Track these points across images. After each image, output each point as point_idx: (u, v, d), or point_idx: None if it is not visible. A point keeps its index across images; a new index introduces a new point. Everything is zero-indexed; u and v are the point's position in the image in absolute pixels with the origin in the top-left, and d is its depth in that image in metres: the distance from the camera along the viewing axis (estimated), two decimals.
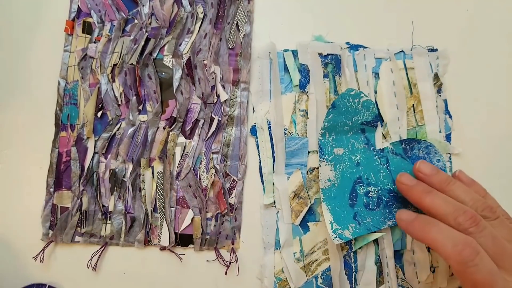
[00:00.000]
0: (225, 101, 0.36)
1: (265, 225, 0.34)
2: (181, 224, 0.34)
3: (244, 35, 0.37)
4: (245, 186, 0.35)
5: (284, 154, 0.35)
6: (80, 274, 0.34)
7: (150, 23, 0.37)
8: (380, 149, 0.35)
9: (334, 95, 0.36)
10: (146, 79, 0.36)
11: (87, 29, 0.38)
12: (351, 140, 0.34)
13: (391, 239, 0.34)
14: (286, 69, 0.37)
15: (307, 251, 0.34)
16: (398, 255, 0.34)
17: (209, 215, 0.35)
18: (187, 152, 0.35)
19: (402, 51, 0.37)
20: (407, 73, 0.36)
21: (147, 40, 0.37)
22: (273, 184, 0.35)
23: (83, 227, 0.35)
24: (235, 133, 0.36)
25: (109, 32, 0.37)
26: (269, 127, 0.36)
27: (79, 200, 0.35)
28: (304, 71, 0.36)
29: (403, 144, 0.34)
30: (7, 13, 0.38)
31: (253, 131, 0.36)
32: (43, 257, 0.34)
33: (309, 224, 0.34)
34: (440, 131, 0.36)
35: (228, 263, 0.34)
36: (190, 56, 0.36)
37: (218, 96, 0.36)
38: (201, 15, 0.37)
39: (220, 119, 0.36)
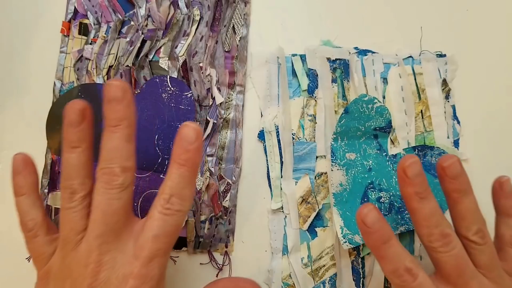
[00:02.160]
0: (220, 104, 0.36)
1: (272, 230, 0.34)
2: None
3: (240, 38, 0.37)
4: (246, 189, 0.35)
5: (292, 159, 0.35)
6: None
7: (146, 25, 0.37)
8: (392, 154, 0.35)
9: (343, 100, 0.36)
10: (142, 81, 0.36)
11: (84, 30, 0.38)
12: (363, 145, 0.34)
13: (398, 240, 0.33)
14: (294, 73, 0.37)
15: (315, 257, 0.34)
16: None
17: (202, 218, 0.35)
18: None
19: (410, 56, 0.37)
20: (415, 79, 0.36)
21: (143, 42, 0.37)
22: (281, 189, 0.35)
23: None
24: (230, 136, 0.36)
25: (105, 33, 0.37)
26: (277, 132, 0.35)
27: None
28: (312, 75, 0.36)
29: (416, 150, 0.34)
30: (3, 14, 0.38)
31: (261, 135, 0.36)
32: None
33: (317, 229, 0.34)
34: (448, 137, 0.36)
35: (221, 266, 0.34)
36: (186, 59, 0.36)
37: (213, 99, 0.36)
38: (197, 18, 0.37)
39: (215, 122, 0.35)
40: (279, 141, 0.35)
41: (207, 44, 0.37)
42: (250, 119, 0.36)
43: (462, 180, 0.27)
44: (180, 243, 0.34)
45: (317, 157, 0.35)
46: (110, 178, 0.25)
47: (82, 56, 0.37)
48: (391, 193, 0.33)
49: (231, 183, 0.35)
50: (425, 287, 0.26)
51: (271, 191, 0.35)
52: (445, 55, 0.37)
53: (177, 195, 0.25)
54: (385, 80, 0.36)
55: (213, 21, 0.37)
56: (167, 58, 0.37)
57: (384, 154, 0.35)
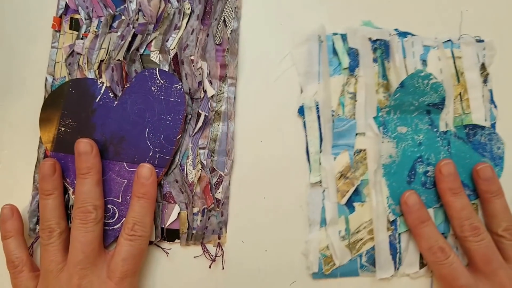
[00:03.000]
0: (212, 96, 0.36)
1: (311, 202, 0.35)
2: (167, 219, 0.34)
3: (231, 31, 0.37)
4: (241, 182, 0.35)
5: (331, 135, 0.36)
6: None
7: (137, 19, 0.37)
8: (443, 131, 0.35)
9: (383, 79, 0.37)
10: (133, 75, 0.36)
11: (75, 25, 0.37)
12: (415, 120, 0.35)
13: (434, 223, 0.34)
14: (334, 52, 0.37)
15: (353, 230, 0.34)
16: None
17: (195, 210, 0.35)
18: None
19: (449, 40, 0.37)
20: (454, 62, 0.37)
21: (134, 36, 0.36)
22: (320, 163, 0.35)
23: (71, 222, 0.34)
24: (222, 128, 0.36)
25: (96, 28, 0.37)
26: (317, 108, 0.36)
27: (66, 195, 0.34)
28: (353, 54, 0.37)
29: (467, 128, 0.35)
30: None
31: (301, 111, 0.36)
32: (32, 252, 0.34)
33: (355, 204, 0.35)
34: (486, 120, 0.36)
35: (214, 257, 0.34)
36: (177, 52, 0.36)
37: (205, 91, 0.36)
38: (188, 11, 0.37)
39: (207, 114, 0.36)
40: (318, 117, 0.36)
41: (198, 37, 0.37)
42: (242, 111, 0.37)
43: (492, 182, 0.33)
44: (173, 235, 0.35)
45: (356, 134, 0.36)
46: (85, 215, 0.31)
47: (73, 51, 0.37)
48: None
49: (223, 175, 0.35)
50: (455, 264, 0.31)
51: (309, 165, 0.35)
52: (483, 41, 0.38)
53: (139, 223, 0.31)
54: (424, 62, 0.37)
55: (204, 14, 0.37)
56: (158, 52, 0.36)
57: (435, 130, 0.35)
